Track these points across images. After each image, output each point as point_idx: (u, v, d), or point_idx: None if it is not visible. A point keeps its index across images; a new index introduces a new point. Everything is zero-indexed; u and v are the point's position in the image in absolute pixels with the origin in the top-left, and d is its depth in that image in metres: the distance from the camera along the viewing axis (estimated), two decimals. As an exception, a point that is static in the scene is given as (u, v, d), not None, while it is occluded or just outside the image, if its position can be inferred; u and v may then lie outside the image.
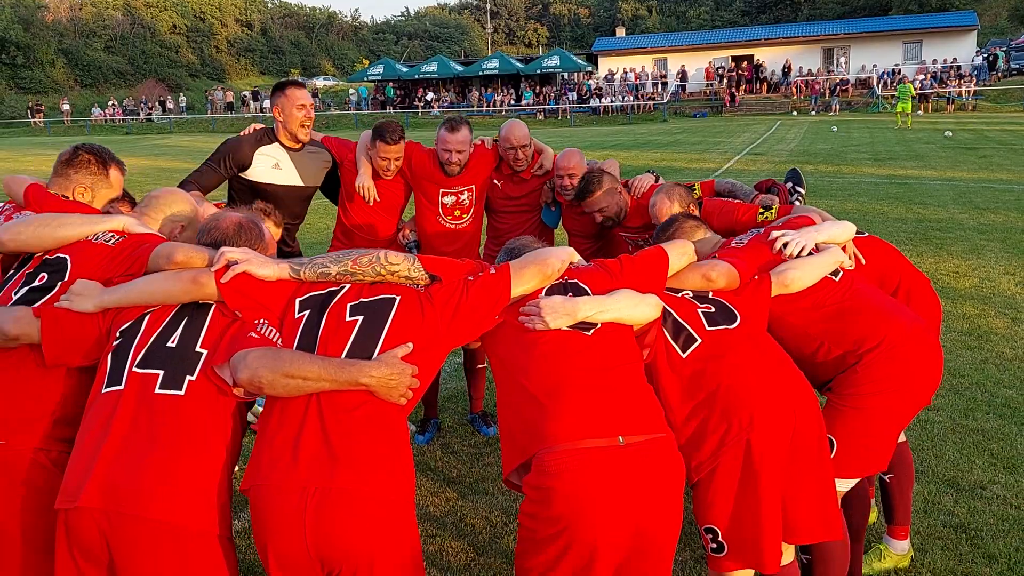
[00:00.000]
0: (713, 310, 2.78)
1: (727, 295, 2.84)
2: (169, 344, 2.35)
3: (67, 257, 2.63)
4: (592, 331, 2.53)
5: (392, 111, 50.34)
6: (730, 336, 2.70)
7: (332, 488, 2.13)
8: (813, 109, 40.73)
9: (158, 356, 2.33)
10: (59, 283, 2.57)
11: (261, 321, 2.44)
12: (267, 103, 54.61)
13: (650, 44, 54.79)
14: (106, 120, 55.39)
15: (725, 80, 46.84)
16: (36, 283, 2.59)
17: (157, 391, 2.27)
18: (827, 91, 43.04)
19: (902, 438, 3.57)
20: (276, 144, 4.68)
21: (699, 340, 2.69)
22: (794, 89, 44.73)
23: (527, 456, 2.34)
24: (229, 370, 2.28)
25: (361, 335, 2.38)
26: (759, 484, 2.52)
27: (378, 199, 4.74)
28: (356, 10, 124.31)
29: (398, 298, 2.48)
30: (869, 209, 12.77)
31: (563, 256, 2.69)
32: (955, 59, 43.87)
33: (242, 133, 4.75)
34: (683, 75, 49.42)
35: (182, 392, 2.27)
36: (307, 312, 2.48)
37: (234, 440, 2.35)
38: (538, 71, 50.87)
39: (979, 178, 16.22)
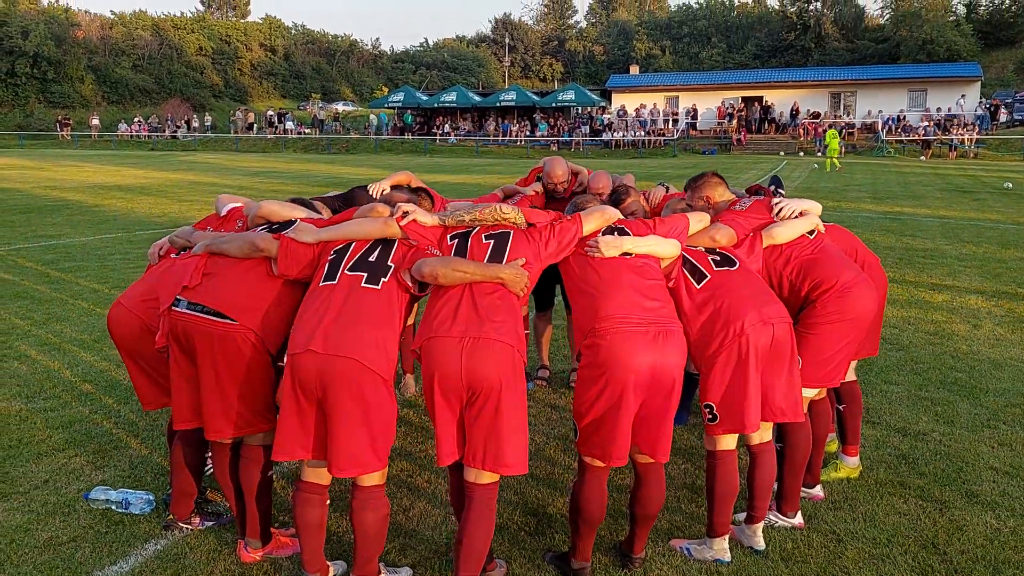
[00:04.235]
0: (719, 258, 3.95)
1: (729, 249, 4.01)
2: (370, 259, 3.56)
3: (296, 221, 3.84)
4: (631, 257, 3.71)
5: (411, 137, 51.88)
6: (730, 274, 3.85)
7: (480, 337, 3.27)
8: (819, 150, 42.01)
9: (363, 264, 3.54)
10: (284, 229, 3.75)
11: (430, 247, 3.65)
12: (289, 124, 56.21)
13: (662, 82, 56.41)
14: (132, 136, 57.02)
15: (735, 119, 48.18)
16: (267, 228, 3.81)
17: (362, 285, 3.46)
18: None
19: (852, 376, 4.70)
20: None
21: (708, 276, 3.84)
22: (801, 131, 46.07)
23: (587, 331, 3.49)
24: (411, 273, 3.48)
25: (494, 251, 3.62)
26: (745, 374, 3.64)
27: None
28: (376, 39, 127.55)
29: (512, 232, 3.72)
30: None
31: (616, 211, 3.94)
32: (960, 105, 45.21)
33: (370, 189, 5.28)
34: (694, 113, 50.83)
35: (379, 287, 3.47)
36: (457, 240, 3.72)
37: (403, 323, 3.54)
38: (553, 104, 52.44)
39: (969, 217, 17.37)
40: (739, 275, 3.86)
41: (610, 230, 3.85)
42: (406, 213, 3.73)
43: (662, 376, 3.44)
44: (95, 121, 59.28)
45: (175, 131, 57.90)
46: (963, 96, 46.44)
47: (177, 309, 3.64)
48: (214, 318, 3.58)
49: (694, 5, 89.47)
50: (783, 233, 4.12)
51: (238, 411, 3.65)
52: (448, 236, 3.77)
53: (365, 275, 3.49)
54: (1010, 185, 24.33)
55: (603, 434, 3.47)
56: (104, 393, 6.17)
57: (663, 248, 3.79)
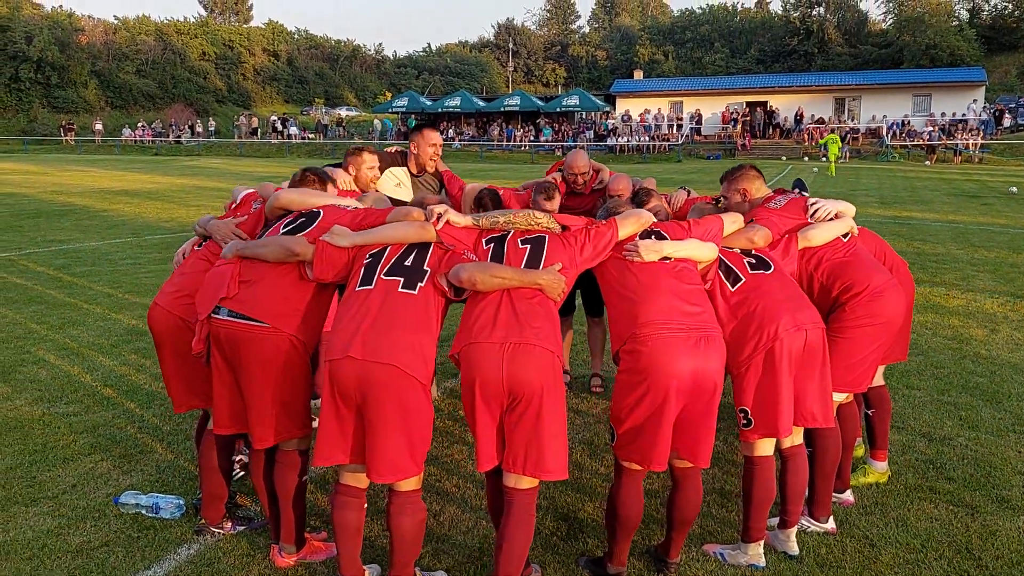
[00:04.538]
0: (755, 261, 3.92)
1: (764, 250, 3.99)
2: (406, 263, 3.54)
3: (320, 211, 3.83)
4: (670, 261, 3.69)
5: (414, 142, 51.79)
6: (765, 278, 3.83)
7: (520, 343, 3.26)
8: (822, 155, 41.96)
9: (399, 269, 3.51)
10: (312, 224, 3.74)
11: (465, 251, 3.62)
12: (293, 130, 56.34)
13: (667, 87, 56.41)
14: (135, 141, 57.08)
15: (740, 124, 48.19)
16: (295, 224, 3.78)
17: (399, 290, 3.44)
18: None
19: (880, 381, 4.69)
20: (404, 168, 5.85)
21: (743, 279, 3.82)
22: (806, 136, 46.05)
23: (626, 336, 3.48)
24: (448, 277, 3.46)
25: (530, 256, 3.59)
26: (778, 378, 3.63)
27: None
28: (380, 44, 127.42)
29: (547, 236, 3.69)
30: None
31: (651, 215, 3.90)
32: (964, 113, 45.24)
33: (386, 150, 5.89)
34: (698, 118, 50.82)
35: (415, 292, 3.45)
36: (492, 244, 3.70)
37: (439, 327, 3.52)
38: (558, 109, 52.45)
39: (978, 222, 17.36)
40: (774, 279, 3.85)
41: (647, 234, 3.83)
42: (440, 216, 3.72)
43: (703, 381, 3.43)
44: (98, 126, 59.38)
45: (179, 136, 57.97)
46: (975, 100, 46.49)
47: (218, 317, 3.64)
48: (256, 323, 3.58)
49: (697, 10, 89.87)
50: (819, 236, 4.11)
51: (278, 417, 3.66)
52: (483, 240, 3.75)
53: (401, 280, 3.47)
54: (1015, 190, 24.33)
55: (643, 440, 3.46)
56: (126, 398, 6.16)
57: (701, 252, 3.78)
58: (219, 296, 3.63)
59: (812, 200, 4.28)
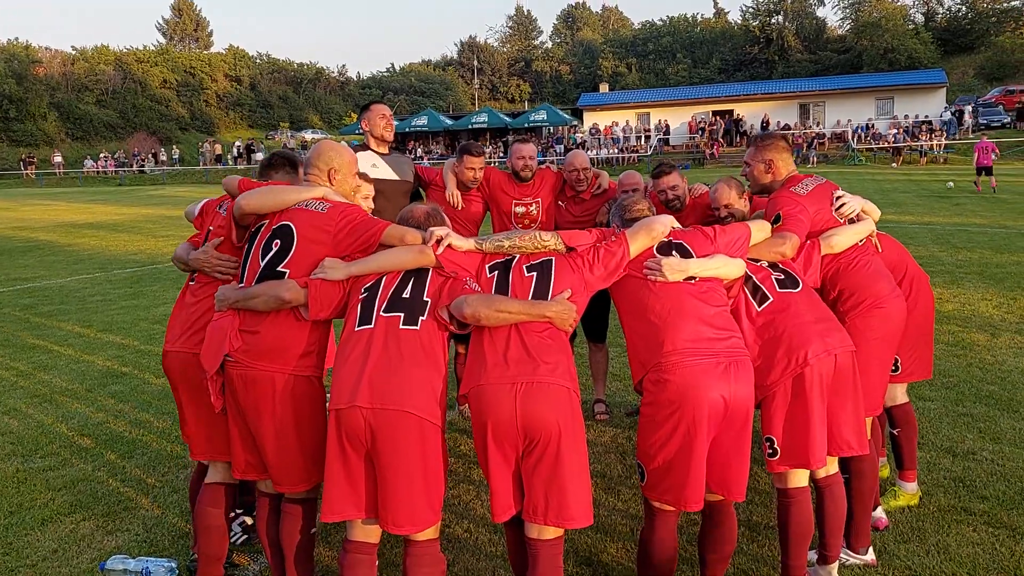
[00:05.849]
0: (783, 278, 3.68)
1: (788, 263, 3.75)
2: (404, 296, 3.25)
3: (290, 223, 3.43)
4: (695, 282, 3.43)
5: (383, 163, 51.49)
6: (793, 297, 3.59)
7: (533, 382, 3.01)
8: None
9: (398, 303, 3.22)
10: (292, 245, 3.38)
11: (467, 279, 3.33)
12: (258, 156, 55.73)
13: (633, 99, 56.63)
14: (98, 172, 56.14)
15: (707, 133, 48.41)
16: (273, 248, 3.41)
17: (401, 327, 3.16)
18: (804, 145, 44.60)
19: (904, 399, 4.48)
20: (369, 151, 5.59)
21: (771, 298, 3.58)
22: (773, 143, 46.24)
23: (650, 366, 3.24)
24: (450, 310, 3.18)
25: (538, 284, 3.31)
26: (808, 405, 3.40)
27: (464, 205, 5.72)
28: (343, 66, 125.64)
29: (554, 259, 3.41)
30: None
31: (666, 222, 3.59)
32: (927, 115, 45.80)
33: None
34: (666, 129, 51.00)
35: (417, 327, 3.17)
36: (496, 272, 3.41)
37: (446, 358, 3.25)
38: (526, 124, 52.42)
39: (954, 223, 17.40)
40: (802, 299, 3.62)
41: (668, 247, 3.54)
42: (440, 240, 3.39)
43: (736, 409, 3.20)
44: (57, 158, 58.26)
45: (142, 166, 57.12)
46: (948, 105, 47.13)
47: (229, 360, 3.36)
48: (268, 365, 3.31)
49: (657, 22, 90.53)
50: (843, 242, 3.91)
51: (304, 460, 3.38)
52: (487, 267, 3.46)
53: (402, 316, 3.20)
54: (952, 184, 24.65)
55: (676, 477, 3.21)
56: (105, 448, 5.80)
57: (729, 270, 3.53)
58: (223, 352, 3.35)
59: (838, 193, 4.06)
